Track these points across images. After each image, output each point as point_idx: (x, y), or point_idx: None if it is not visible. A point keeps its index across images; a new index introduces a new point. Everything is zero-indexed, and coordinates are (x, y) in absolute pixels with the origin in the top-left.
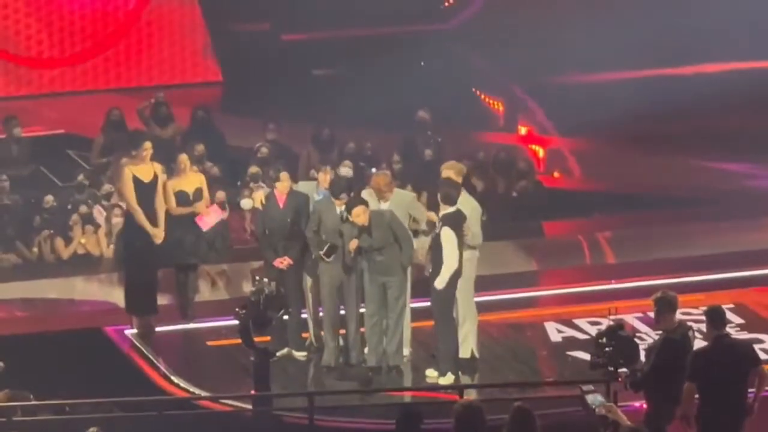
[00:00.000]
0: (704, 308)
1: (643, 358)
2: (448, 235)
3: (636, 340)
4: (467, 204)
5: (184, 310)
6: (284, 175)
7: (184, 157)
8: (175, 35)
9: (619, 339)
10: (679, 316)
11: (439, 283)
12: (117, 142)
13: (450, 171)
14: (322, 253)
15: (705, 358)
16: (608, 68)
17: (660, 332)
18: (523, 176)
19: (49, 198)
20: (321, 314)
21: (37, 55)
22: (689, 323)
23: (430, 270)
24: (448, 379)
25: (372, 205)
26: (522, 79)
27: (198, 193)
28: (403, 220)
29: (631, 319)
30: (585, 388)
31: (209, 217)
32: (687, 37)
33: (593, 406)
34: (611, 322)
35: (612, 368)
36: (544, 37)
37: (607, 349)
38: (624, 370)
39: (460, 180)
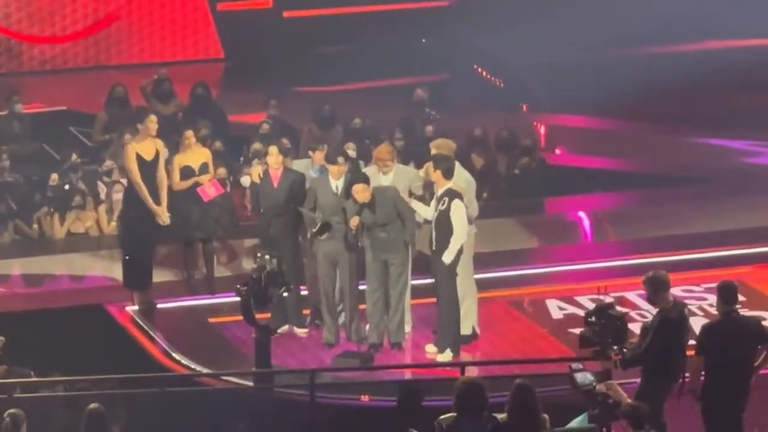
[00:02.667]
0: (710, 285)
1: (637, 336)
2: (459, 208)
3: (625, 318)
4: (462, 178)
5: (194, 287)
6: (273, 149)
7: (189, 133)
8: (176, 12)
9: (608, 317)
10: (680, 293)
11: (448, 256)
12: (120, 118)
13: (441, 149)
14: (314, 231)
15: (714, 333)
16: (608, 46)
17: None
18: (525, 154)
19: (55, 176)
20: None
21: (38, 31)
22: (685, 301)
23: (434, 246)
24: (446, 356)
25: (374, 182)
26: (523, 56)
27: (203, 168)
28: (404, 196)
29: (633, 297)
30: (574, 366)
31: (210, 189)
32: (685, 15)
33: (584, 384)
34: (601, 301)
35: (601, 347)
36: (545, 14)
37: (596, 327)
38: (614, 348)
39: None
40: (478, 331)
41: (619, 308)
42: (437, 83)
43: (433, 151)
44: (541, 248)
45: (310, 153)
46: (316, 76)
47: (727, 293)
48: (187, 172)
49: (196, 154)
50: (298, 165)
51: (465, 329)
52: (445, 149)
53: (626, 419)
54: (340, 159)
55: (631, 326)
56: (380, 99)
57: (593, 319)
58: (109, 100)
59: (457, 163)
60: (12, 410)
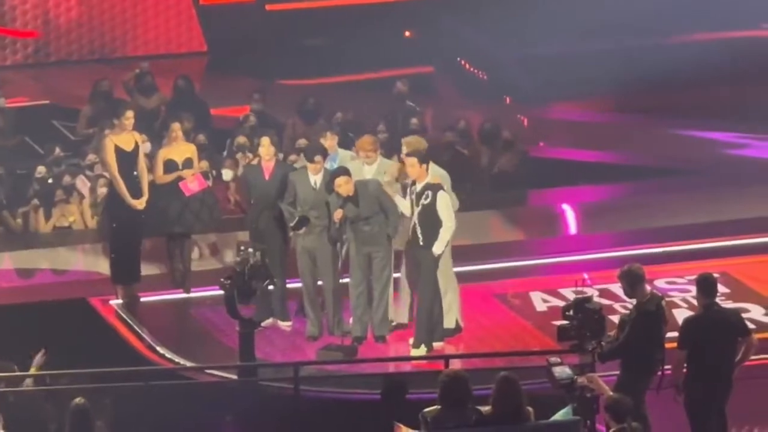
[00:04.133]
0: (693, 277)
1: (614, 330)
2: (445, 199)
3: (602, 311)
4: (438, 174)
5: (178, 280)
6: (266, 140)
7: (176, 126)
8: (159, 5)
9: (585, 311)
10: (664, 285)
11: (438, 246)
12: (104, 112)
13: (412, 147)
14: (291, 225)
15: (695, 326)
16: (594, 38)
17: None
18: (508, 147)
19: (42, 168)
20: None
21: (21, 25)
22: (668, 292)
23: (421, 241)
24: (420, 351)
25: (357, 173)
26: (507, 48)
27: (187, 162)
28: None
29: (617, 289)
30: (552, 360)
31: (192, 184)
32: (672, 7)
33: (562, 378)
34: (577, 295)
35: (579, 340)
36: (528, 6)
37: (574, 321)
38: (592, 341)
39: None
40: (461, 323)
41: (597, 301)
42: (421, 76)
43: (405, 149)
44: (524, 241)
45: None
46: (300, 69)
47: (706, 286)
48: (170, 166)
49: (181, 148)
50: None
51: (448, 323)
52: (417, 146)
53: (608, 412)
54: (318, 157)
55: (613, 318)
56: (364, 92)
57: (571, 312)
58: (94, 94)
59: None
60: None
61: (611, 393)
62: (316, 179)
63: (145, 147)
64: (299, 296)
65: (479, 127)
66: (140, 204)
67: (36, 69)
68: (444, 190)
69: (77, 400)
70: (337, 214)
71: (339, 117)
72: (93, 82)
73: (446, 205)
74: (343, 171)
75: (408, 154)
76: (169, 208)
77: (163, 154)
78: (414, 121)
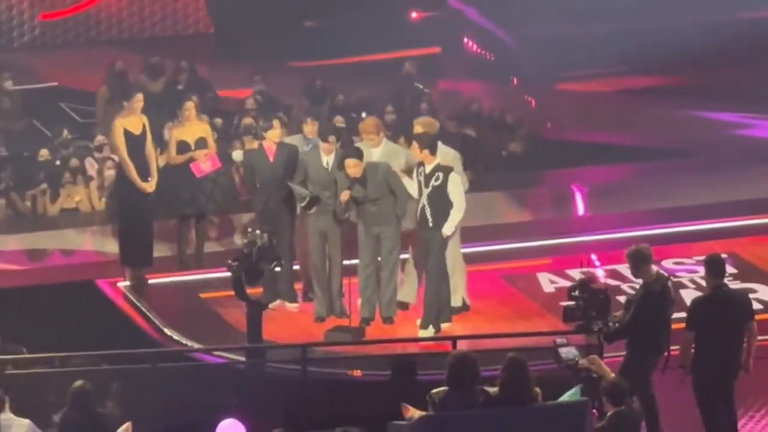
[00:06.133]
0: (702, 258)
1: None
2: (456, 180)
3: (607, 292)
4: (447, 154)
5: (186, 263)
6: (276, 123)
7: (189, 104)
8: None
9: (590, 291)
10: (672, 266)
11: (449, 227)
12: (120, 93)
13: (426, 127)
14: (302, 205)
15: (703, 307)
16: (601, 18)
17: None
18: (516, 128)
19: (44, 151)
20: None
21: (28, 7)
22: (667, 273)
23: (431, 222)
24: (428, 332)
25: (366, 157)
26: (514, 29)
27: (200, 142)
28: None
29: (624, 270)
30: (558, 341)
31: (204, 165)
32: None
33: (568, 359)
34: (582, 276)
35: (584, 321)
36: None
37: (579, 302)
38: (598, 322)
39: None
40: (468, 302)
41: (602, 281)
42: (427, 57)
43: (418, 129)
44: (532, 221)
45: (303, 126)
46: (306, 51)
47: (715, 266)
48: (183, 147)
49: (194, 128)
50: (291, 141)
51: (455, 301)
52: (429, 128)
53: (605, 395)
54: (331, 137)
55: (620, 299)
56: (371, 73)
57: (576, 293)
58: (110, 75)
59: (439, 141)
60: None
61: (612, 375)
62: (328, 159)
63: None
64: (305, 277)
65: (488, 112)
66: (150, 186)
67: (43, 51)
68: (454, 171)
69: (77, 383)
70: (344, 195)
71: (341, 99)
72: (103, 64)
73: (458, 186)
74: (355, 152)
75: (416, 137)
76: (181, 189)
77: (176, 134)
78: (424, 106)
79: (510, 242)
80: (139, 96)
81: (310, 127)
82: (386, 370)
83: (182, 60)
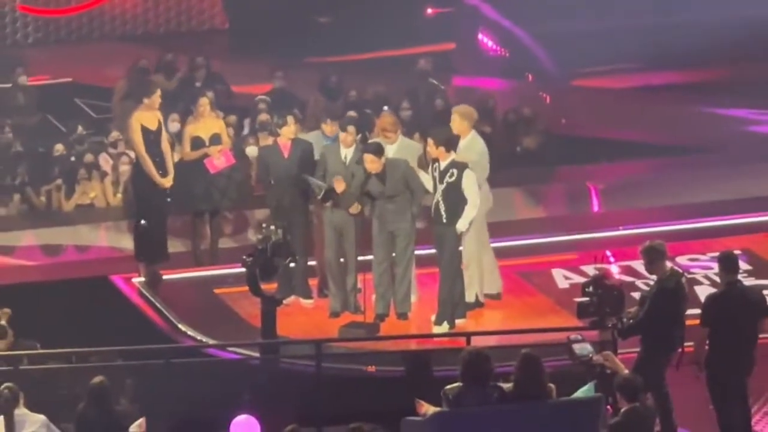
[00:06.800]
0: (716, 254)
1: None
2: (470, 177)
3: (621, 288)
4: (475, 150)
5: (200, 258)
6: (291, 119)
7: (204, 100)
8: None
9: (605, 287)
10: (686, 262)
11: (463, 223)
12: (139, 90)
13: (464, 115)
14: (319, 197)
15: (717, 304)
16: (615, 15)
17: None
18: (530, 123)
19: (60, 147)
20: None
21: (43, 3)
22: (682, 270)
23: (445, 218)
24: (443, 328)
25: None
26: (529, 25)
27: (215, 138)
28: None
29: (639, 266)
30: (572, 337)
31: (218, 161)
32: None
33: (582, 355)
34: (596, 271)
35: (599, 317)
36: None
37: (593, 298)
38: (612, 318)
39: (468, 123)
40: (482, 299)
41: (616, 278)
42: (442, 53)
43: (455, 116)
44: (547, 218)
45: (323, 125)
46: (321, 47)
47: (729, 263)
48: (197, 143)
49: (208, 124)
50: (308, 137)
51: (469, 296)
52: (468, 115)
53: (620, 391)
54: (351, 128)
55: (635, 295)
56: (386, 69)
57: (590, 289)
58: (132, 71)
59: (473, 132)
60: (8, 384)
61: (625, 371)
62: (346, 153)
63: (174, 126)
64: (320, 272)
65: (503, 115)
66: (167, 182)
67: (58, 46)
68: (468, 168)
69: (96, 379)
70: (339, 185)
71: (353, 95)
72: (117, 59)
73: (472, 183)
74: (375, 148)
75: (431, 133)
76: (195, 185)
77: (190, 130)
78: (439, 102)
79: (524, 238)
80: (159, 92)
81: (330, 128)
82: (400, 366)
83: (198, 56)
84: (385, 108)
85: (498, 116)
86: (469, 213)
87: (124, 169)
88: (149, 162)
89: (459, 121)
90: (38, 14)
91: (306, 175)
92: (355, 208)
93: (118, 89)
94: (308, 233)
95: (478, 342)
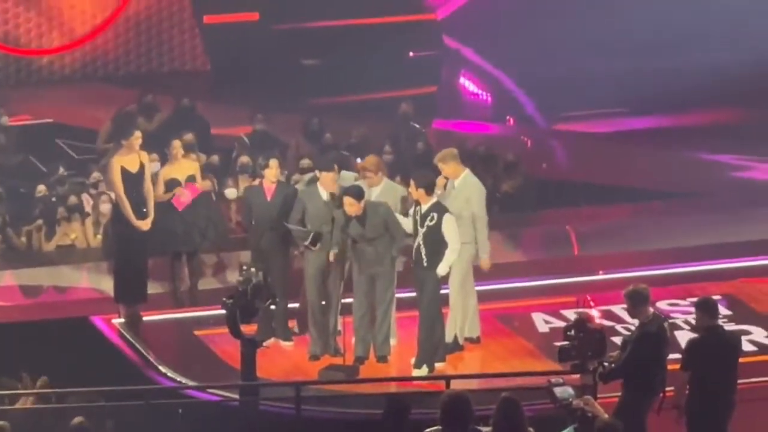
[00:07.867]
0: (695, 299)
1: (616, 350)
2: (450, 221)
3: (603, 332)
4: (472, 186)
5: (180, 299)
6: (274, 162)
7: (177, 143)
8: (163, 23)
9: (586, 331)
10: (666, 307)
11: (443, 268)
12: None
13: (445, 158)
14: (307, 243)
15: (699, 348)
16: (598, 60)
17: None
18: (511, 169)
19: (42, 187)
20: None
21: (25, 44)
22: (663, 315)
23: (426, 262)
24: (422, 371)
25: (365, 195)
26: (510, 70)
27: (190, 180)
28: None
29: (619, 311)
30: (553, 380)
31: (184, 196)
32: (675, 29)
33: (563, 399)
34: (578, 315)
35: (580, 360)
36: (531, 28)
37: (575, 341)
38: (594, 361)
39: (456, 162)
40: (461, 342)
41: (597, 322)
42: (424, 96)
43: (443, 164)
44: (526, 262)
45: (303, 164)
46: (303, 89)
47: (708, 308)
48: (172, 185)
49: (183, 166)
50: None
51: (448, 336)
52: (451, 156)
53: None
54: (335, 166)
55: (615, 340)
56: (368, 111)
57: (572, 332)
58: (117, 114)
59: (467, 171)
60: (2, 422)
61: (605, 416)
62: (327, 194)
63: (153, 167)
64: (300, 316)
65: (482, 154)
66: (145, 225)
67: (39, 87)
68: (448, 212)
69: (76, 419)
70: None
71: (329, 138)
72: (99, 100)
73: (452, 227)
74: (355, 191)
75: (413, 176)
76: (175, 226)
77: (165, 172)
78: (420, 145)
79: (505, 282)
80: (137, 134)
81: (328, 178)
82: (379, 409)
83: (182, 98)
84: (345, 153)
85: (477, 159)
86: (450, 257)
87: (105, 208)
88: (127, 204)
89: (448, 164)
90: (19, 54)
91: (288, 224)
92: (332, 256)
93: (102, 132)
94: (287, 276)
95: (457, 386)
